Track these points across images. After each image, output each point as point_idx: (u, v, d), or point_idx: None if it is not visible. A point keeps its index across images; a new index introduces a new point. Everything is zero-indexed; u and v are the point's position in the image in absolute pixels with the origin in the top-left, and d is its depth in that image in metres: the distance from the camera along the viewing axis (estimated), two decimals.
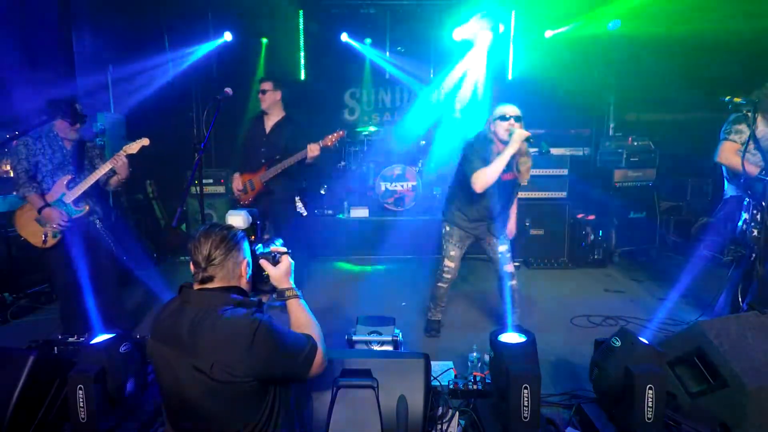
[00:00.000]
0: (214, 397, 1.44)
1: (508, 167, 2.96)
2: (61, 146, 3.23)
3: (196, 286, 1.56)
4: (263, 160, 3.62)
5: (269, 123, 3.73)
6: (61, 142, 3.24)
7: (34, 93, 4.05)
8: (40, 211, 3.11)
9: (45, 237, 3.16)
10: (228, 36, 6.48)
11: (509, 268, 3.23)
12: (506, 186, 3.11)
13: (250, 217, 1.73)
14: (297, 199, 3.75)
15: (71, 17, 5.07)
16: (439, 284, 3.38)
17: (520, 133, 2.86)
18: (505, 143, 2.90)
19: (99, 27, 5.42)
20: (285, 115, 3.77)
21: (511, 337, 2.29)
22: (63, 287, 3.30)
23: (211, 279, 1.54)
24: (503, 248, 3.21)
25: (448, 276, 3.33)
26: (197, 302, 1.51)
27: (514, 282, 3.24)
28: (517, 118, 2.96)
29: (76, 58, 5.14)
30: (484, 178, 2.90)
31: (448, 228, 3.32)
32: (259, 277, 1.71)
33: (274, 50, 6.82)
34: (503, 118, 2.97)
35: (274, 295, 1.73)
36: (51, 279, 3.70)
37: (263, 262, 1.69)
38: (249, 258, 1.63)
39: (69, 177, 3.22)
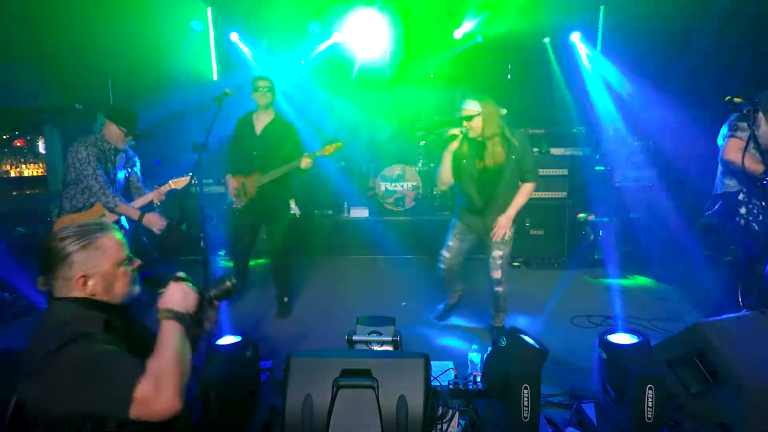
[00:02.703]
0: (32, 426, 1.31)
1: (479, 155, 3.05)
2: (111, 161, 3.22)
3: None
4: (255, 164, 3.50)
5: (259, 124, 3.56)
6: (113, 156, 3.24)
7: None
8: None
9: None
10: (234, 36, 6.48)
11: (496, 274, 3.23)
12: (483, 174, 3.11)
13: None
14: (291, 201, 3.66)
15: None
16: (439, 270, 3.51)
17: (450, 146, 3.00)
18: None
19: None
20: (275, 116, 3.62)
21: (528, 339, 2.28)
22: None
23: (49, 291, 1.39)
24: (496, 254, 3.21)
25: (441, 266, 3.44)
26: (46, 312, 1.37)
27: (498, 289, 3.27)
28: (468, 118, 2.96)
29: None
30: (438, 177, 3.17)
31: (453, 220, 3.42)
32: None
33: (274, 50, 6.82)
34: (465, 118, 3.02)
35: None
36: None
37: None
38: (94, 270, 1.40)
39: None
